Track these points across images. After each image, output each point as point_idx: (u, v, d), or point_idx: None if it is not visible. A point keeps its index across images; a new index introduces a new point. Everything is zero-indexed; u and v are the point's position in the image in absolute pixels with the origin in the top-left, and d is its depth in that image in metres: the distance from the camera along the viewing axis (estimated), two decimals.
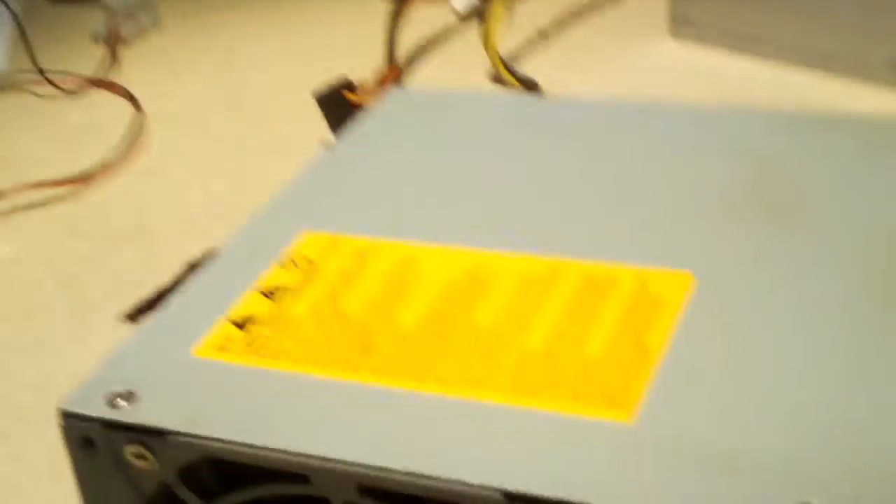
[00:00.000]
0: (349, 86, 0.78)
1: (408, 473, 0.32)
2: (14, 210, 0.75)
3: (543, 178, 0.45)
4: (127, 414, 0.35)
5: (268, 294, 0.39)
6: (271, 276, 0.40)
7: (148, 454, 0.35)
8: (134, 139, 0.81)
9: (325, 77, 0.86)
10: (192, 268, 0.67)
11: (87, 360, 0.60)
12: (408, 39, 0.88)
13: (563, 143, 0.48)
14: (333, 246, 0.42)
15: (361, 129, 0.51)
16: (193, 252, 0.68)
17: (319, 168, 0.47)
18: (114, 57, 0.92)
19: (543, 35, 0.91)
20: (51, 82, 0.88)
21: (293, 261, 0.41)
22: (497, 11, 0.82)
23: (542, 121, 0.50)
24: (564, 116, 0.50)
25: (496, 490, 0.31)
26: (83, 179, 0.77)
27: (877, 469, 0.30)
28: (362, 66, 0.85)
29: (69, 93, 0.89)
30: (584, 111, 0.51)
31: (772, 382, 0.34)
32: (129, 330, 0.62)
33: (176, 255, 0.68)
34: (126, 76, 0.91)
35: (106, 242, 0.71)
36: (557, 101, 0.53)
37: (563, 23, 0.92)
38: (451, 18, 0.94)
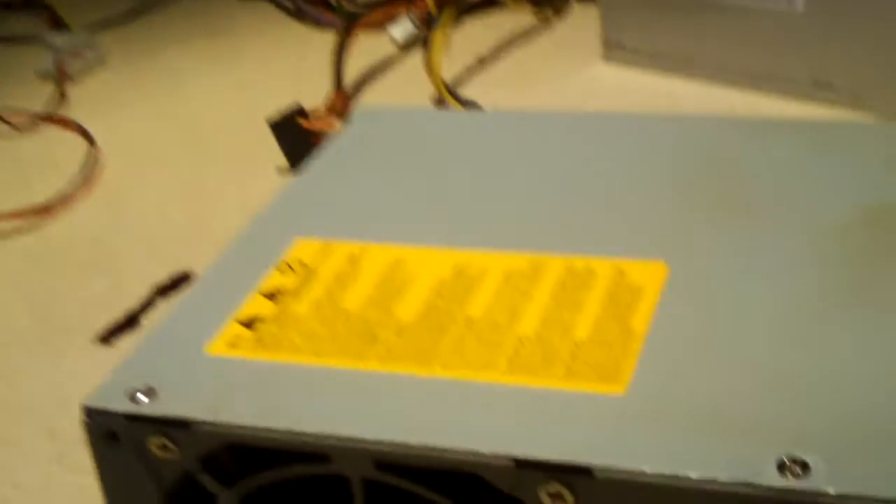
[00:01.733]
0: (302, 112, 0.80)
1: (423, 447, 0.34)
2: None
3: (515, 182, 0.48)
4: (149, 408, 0.37)
5: (269, 296, 0.42)
6: (270, 279, 0.43)
7: (171, 444, 0.37)
8: (89, 172, 0.83)
9: (269, 106, 0.88)
10: (160, 291, 0.69)
11: (65, 381, 0.62)
12: (352, 68, 0.91)
13: (529, 150, 0.51)
14: (326, 250, 0.44)
15: (335, 146, 0.53)
16: (159, 276, 0.70)
17: (301, 183, 0.50)
18: (62, 93, 0.94)
19: (481, 60, 0.94)
20: (2, 119, 0.90)
21: (289, 265, 0.43)
22: (438, 39, 0.86)
23: (504, 131, 0.53)
24: (526, 126, 0.53)
25: (507, 457, 0.34)
26: (43, 211, 0.78)
27: (854, 421, 0.33)
28: (306, 95, 0.88)
29: (20, 129, 0.91)
30: (545, 121, 0.54)
31: (749, 351, 0.37)
32: (102, 352, 0.64)
33: (141, 279, 0.70)
34: (75, 111, 0.93)
35: (71, 271, 0.72)
36: (516, 113, 0.56)
37: (499, 48, 0.96)
38: (391, 48, 0.97)
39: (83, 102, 0.95)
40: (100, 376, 0.61)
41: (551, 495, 0.34)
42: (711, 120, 0.53)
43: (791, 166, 0.47)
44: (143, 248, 0.74)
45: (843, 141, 0.49)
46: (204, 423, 0.36)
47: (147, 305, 0.68)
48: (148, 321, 0.66)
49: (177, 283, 0.70)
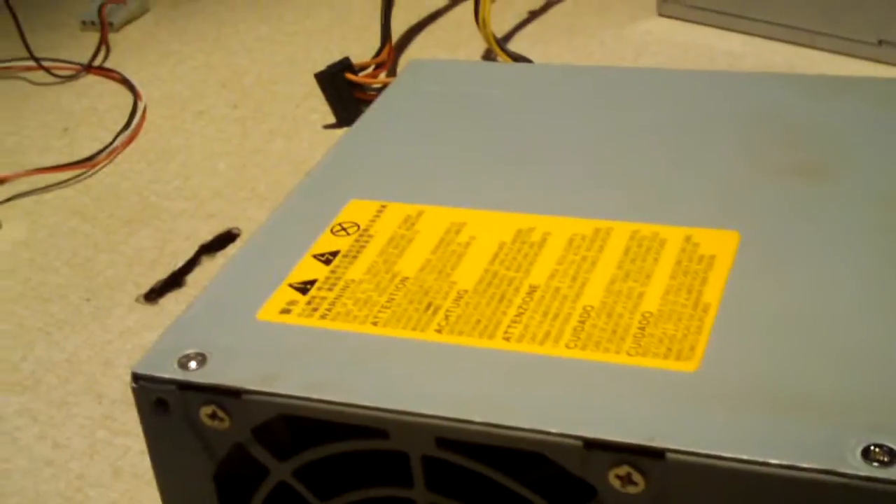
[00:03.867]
0: (349, 66, 0.79)
1: (487, 424, 0.33)
2: (20, 195, 0.75)
3: (574, 141, 0.46)
4: (200, 375, 0.36)
5: (324, 259, 0.40)
6: (324, 241, 0.41)
7: (223, 414, 0.35)
8: (134, 123, 0.81)
9: (315, 59, 0.87)
10: (205, 249, 0.68)
11: (109, 340, 0.61)
12: (400, 22, 0.89)
13: (587, 107, 0.49)
14: (382, 212, 0.43)
15: (387, 101, 0.51)
16: (203, 231, 0.69)
17: (353, 140, 0.48)
18: (105, 43, 0.93)
19: (532, 13, 0.92)
20: (46, 69, 0.89)
21: (343, 227, 0.42)
22: None
23: (560, 86, 0.51)
24: (585, 82, 0.51)
25: (576, 437, 0.32)
26: (87, 164, 0.77)
27: None
28: (353, 48, 0.86)
29: (65, 80, 0.90)
30: (603, 77, 0.52)
31: (827, 328, 0.35)
32: (146, 310, 0.63)
33: (185, 235, 0.69)
34: (119, 62, 0.91)
35: (115, 225, 0.71)
36: (572, 67, 0.54)
37: (551, 2, 0.94)
38: (440, 1, 0.95)
39: (126, 53, 0.94)
40: (144, 336, 0.61)
41: (620, 478, 0.32)
42: (774, 77, 0.51)
43: (862, 126, 0.45)
44: (188, 203, 0.72)
45: None
46: (257, 392, 0.35)
47: (192, 264, 0.67)
48: (192, 280, 0.65)
49: (222, 240, 0.68)
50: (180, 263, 0.67)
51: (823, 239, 0.39)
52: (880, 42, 0.78)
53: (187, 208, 0.72)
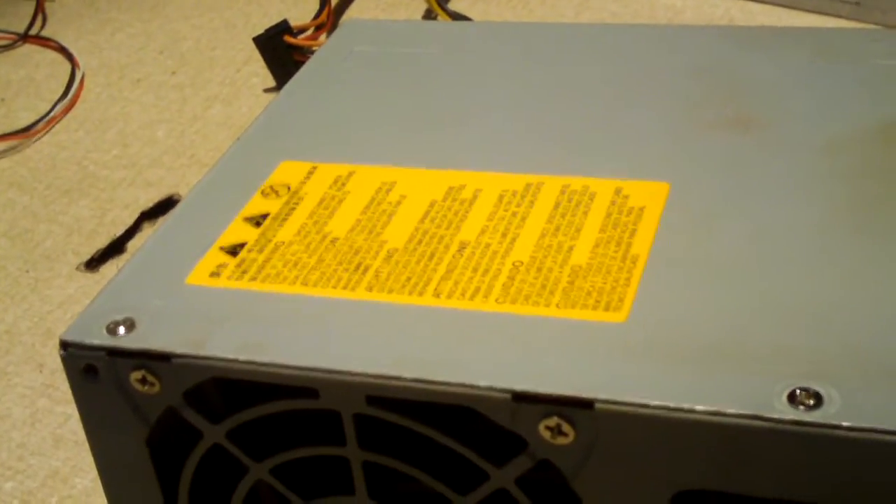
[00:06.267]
0: (287, 29, 0.78)
1: (416, 380, 0.33)
2: None
3: (508, 98, 0.46)
4: (129, 341, 0.35)
5: (254, 222, 0.40)
6: (254, 204, 0.41)
7: (153, 379, 0.35)
8: (72, 93, 0.81)
9: (256, 24, 0.86)
10: (146, 215, 0.68)
11: (48, 310, 0.61)
12: None
13: (522, 64, 0.49)
14: (313, 173, 0.42)
15: (319, 61, 0.51)
16: (144, 199, 0.68)
17: (286, 101, 0.48)
18: (42, 12, 0.91)
19: None
20: None
21: (274, 189, 0.42)
22: None
23: (495, 43, 0.51)
24: (518, 38, 0.51)
25: (505, 391, 0.32)
26: (24, 134, 0.76)
27: (869, 350, 0.32)
28: (294, 11, 0.86)
29: (1, 49, 0.88)
30: (539, 32, 0.52)
31: (756, 278, 0.35)
32: (88, 279, 0.62)
33: (126, 203, 0.69)
34: (56, 31, 0.90)
35: (54, 195, 0.71)
36: (507, 24, 0.54)
37: None
38: None
39: (63, 21, 0.92)
40: (85, 305, 0.60)
41: (550, 429, 0.32)
42: (710, 30, 0.51)
43: (796, 77, 0.45)
44: (127, 171, 0.72)
45: (850, 49, 0.47)
46: (186, 356, 0.35)
47: (133, 231, 0.67)
48: (133, 247, 0.65)
49: (163, 206, 0.68)
50: (120, 231, 0.66)
51: (755, 189, 0.39)
52: None
53: (126, 176, 0.71)
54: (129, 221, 0.67)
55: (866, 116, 0.42)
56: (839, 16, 0.77)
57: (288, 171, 0.43)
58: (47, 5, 0.93)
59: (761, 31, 0.50)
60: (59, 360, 0.36)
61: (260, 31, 0.78)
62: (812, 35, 0.49)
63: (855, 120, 0.42)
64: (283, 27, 0.78)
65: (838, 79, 0.45)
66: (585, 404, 0.31)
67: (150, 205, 0.68)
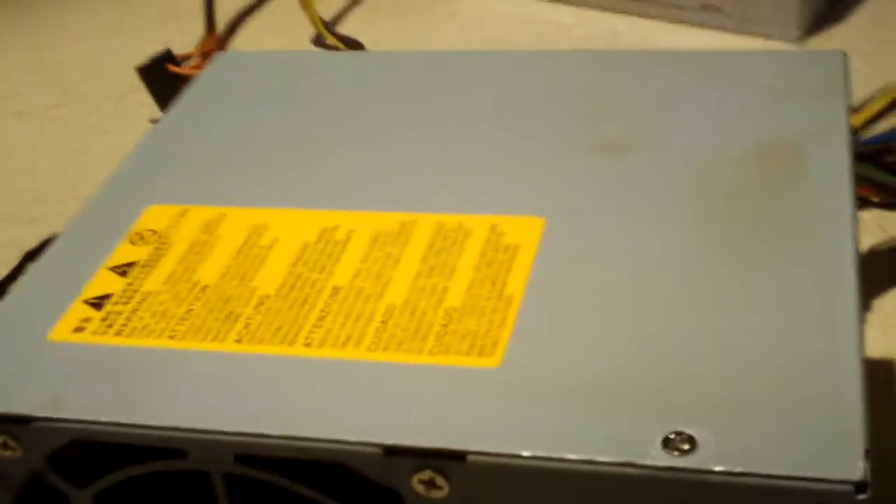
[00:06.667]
0: (170, 57, 0.77)
1: (284, 437, 0.32)
2: None
3: (386, 132, 0.45)
4: None
5: (120, 271, 0.39)
6: (121, 252, 0.40)
7: (14, 443, 0.34)
8: None
9: (144, 51, 0.84)
10: (30, 257, 0.66)
11: None
12: (228, 8, 0.87)
13: (401, 98, 0.48)
14: (181, 217, 0.41)
15: (192, 96, 0.50)
16: (27, 238, 0.66)
17: (155, 140, 0.47)
18: None
19: None
20: None
21: (141, 235, 0.40)
22: None
23: (377, 76, 0.50)
24: (399, 70, 0.50)
25: (375, 445, 0.31)
26: None
27: (744, 389, 0.31)
28: (180, 38, 0.84)
29: None
30: (419, 63, 0.51)
31: (628, 314, 0.34)
32: None
33: (5, 243, 0.67)
34: None
35: None
36: (389, 55, 0.53)
37: None
38: None
39: None
40: None
41: (424, 482, 0.31)
42: (590, 55, 0.51)
43: (672, 100, 0.45)
44: (7, 209, 0.70)
45: (727, 71, 0.47)
46: (45, 419, 0.33)
47: (16, 272, 0.64)
48: None
49: (47, 246, 0.66)
50: (3, 273, 0.64)
51: (630, 219, 0.39)
52: (703, 7, 0.78)
53: (6, 214, 0.69)
54: (13, 262, 0.65)
55: (742, 137, 0.42)
56: (724, 30, 0.77)
57: (156, 216, 0.41)
58: None
59: (640, 54, 0.50)
60: None
61: (145, 58, 0.77)
62: (690, 58, 0.49)
63: (730, 141, 0.42)
64: (166, 56, 0.76)
65: (715, 100, 0.45)
66: (457, 456, 0.31)
67: (35, 244, 0.66)
